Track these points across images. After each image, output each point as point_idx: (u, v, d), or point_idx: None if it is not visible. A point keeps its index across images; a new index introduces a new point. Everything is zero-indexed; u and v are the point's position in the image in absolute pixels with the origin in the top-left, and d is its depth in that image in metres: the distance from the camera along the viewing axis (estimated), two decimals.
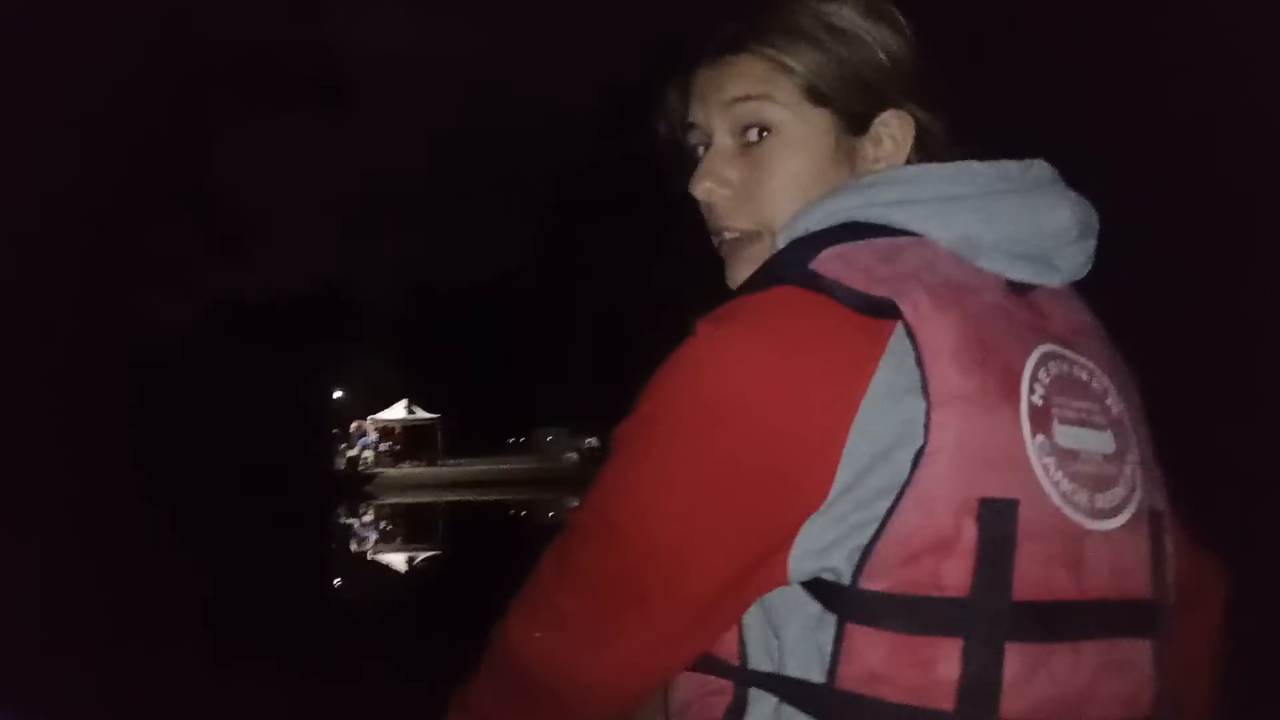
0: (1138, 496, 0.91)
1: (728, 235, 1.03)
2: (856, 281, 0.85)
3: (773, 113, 0.99)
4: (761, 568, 0.86)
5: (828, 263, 0.87)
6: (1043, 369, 0.88)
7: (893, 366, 0.84)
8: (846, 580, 0.84)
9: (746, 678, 0.91)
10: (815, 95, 0.98)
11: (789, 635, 0.88)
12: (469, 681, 0.99)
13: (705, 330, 0.87)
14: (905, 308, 0.84)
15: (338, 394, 44.73)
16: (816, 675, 0.86)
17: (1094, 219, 0.98)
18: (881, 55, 0.99)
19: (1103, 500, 0.88)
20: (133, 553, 15.72)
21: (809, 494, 0.84)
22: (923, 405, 0.82)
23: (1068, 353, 0.92)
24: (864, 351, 0.84)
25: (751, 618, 0.91)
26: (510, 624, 0.94)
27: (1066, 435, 0.87)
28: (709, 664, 0.92)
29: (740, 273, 1.01)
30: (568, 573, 0.91)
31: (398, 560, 18.56)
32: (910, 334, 0.84)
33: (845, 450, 0.83)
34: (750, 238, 1.01)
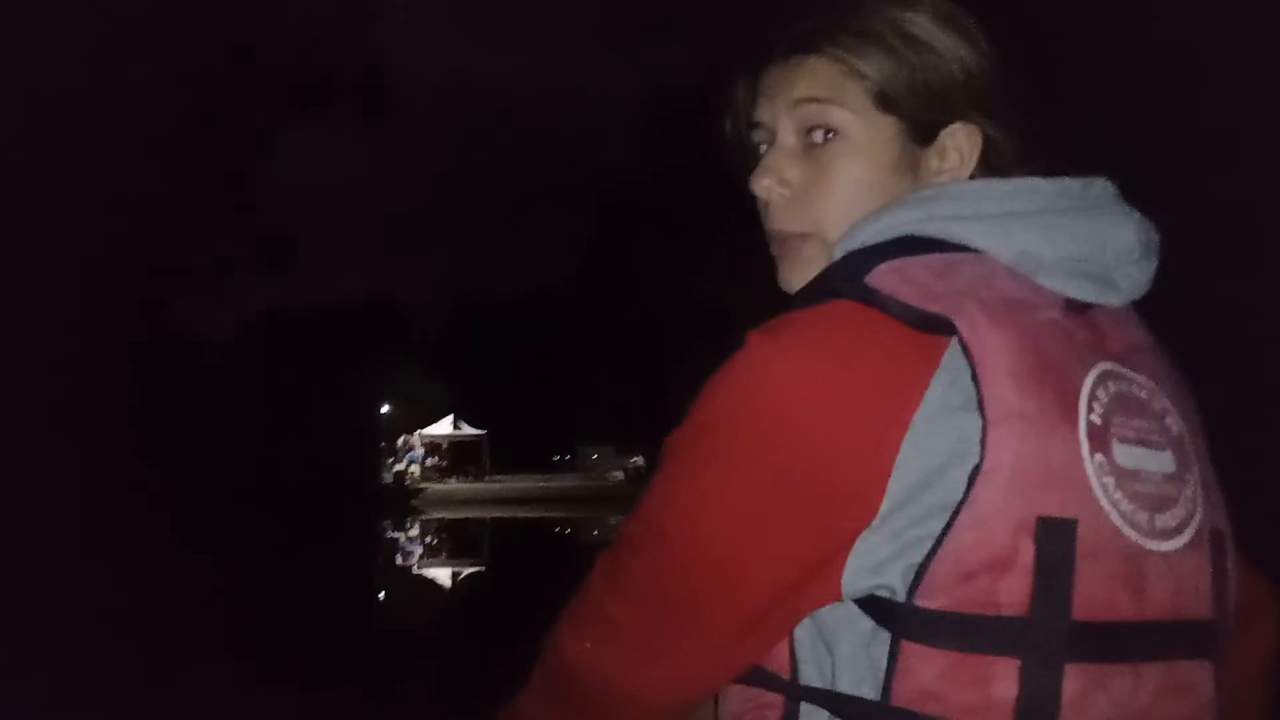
0: (1198, 517, 0.90)
1: (782, 236, 1.02)
2: (911, 297, 0.85)
3: (839, 116, 0.98)
4: (813, 581, 0.86)
5: (883, 277, 0.87)
6: (1101, 388, 0.87)
7: (947, 383, 0.84)
8: (901, 597, 0.83)
9: (798, 692, 0.91)
10: (884, 102, 0.98)
11: (842, 651, 0.88)
12: (519, 693, 1.00)
13: (758, 342, 0.87)
14: (960, 324, 0.83)
15: (385, 408, 45.09)
16: (870, 692, 0.86)
17: (1155, 239, 0.97)
18: (954, 66, 0.98)
19: (1163, 520, 0.87)
20: (178, 566, 15.89)
21: (861, 508, 0.84)
22: (979, 423, 0.82)
23: (1126, 371, 0.91)
24: (918, 367, 0.84)
25: (804, 632, 0.90)
26: (561, 634, 0.95)
27: (1126, 454, 0.87)
28: (760, 677, 0.92)
29: (792, 274, 1.02)
30: (618, 583, 0.91)
31: (443, 575, 18.62)
32: (965, 350, 0.83)
33: (897, 465, 0.83)
34: (805, 240, 1.01)
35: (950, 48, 0.98)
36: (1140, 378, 0.92)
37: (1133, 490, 0.86)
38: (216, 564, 16.56)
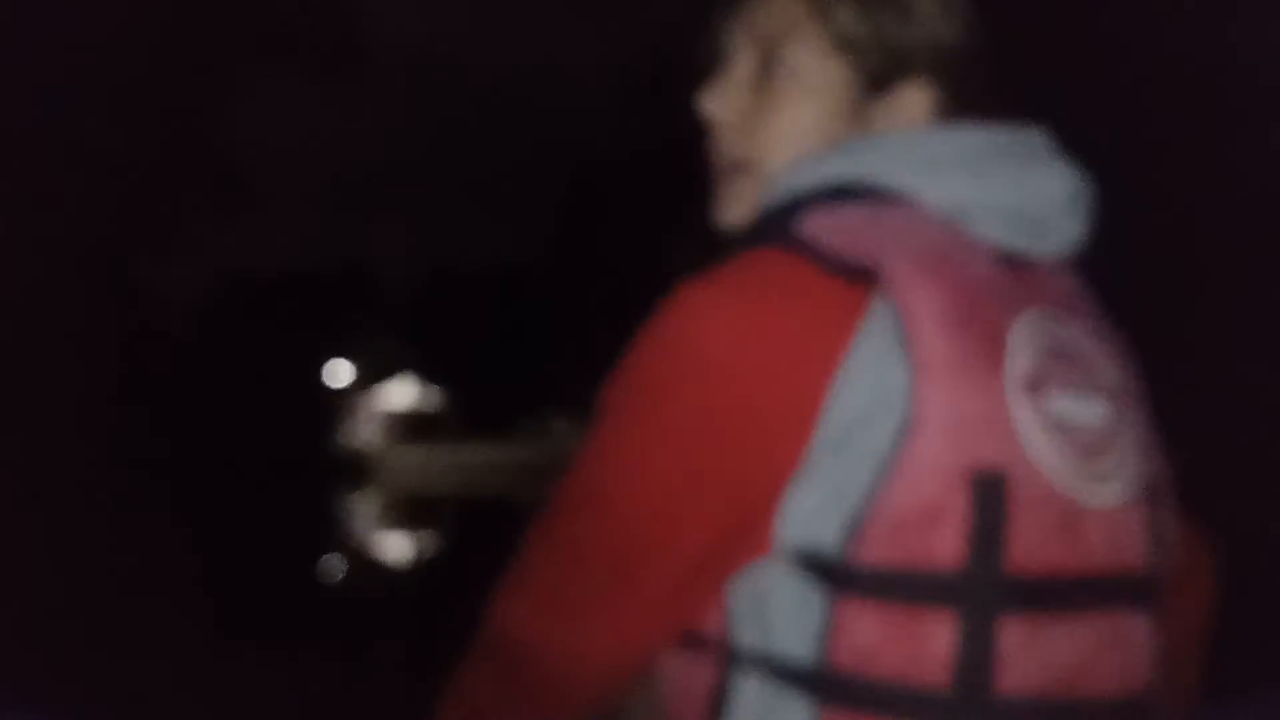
0: (1134, 467, 0.92)
1: (721, 162, 1.04)
2: (838, 246, 0.87)
3: (796, 54, 0.99)
4: (746, 533, 0.87)
5: (811, 225, 0.89)
6: (1032, 336, 0.89)
7: (875, 330, 0.85)
8: (835, 554, 0.84)
9: (735, 655, 0.91)
10: (842, 46, 0.99)
11: (777, 611, 0.88)
12: (460, 666, 0.99)
13: (685, 293, 0.89)
14: (886, 273, 0.85)
15: (341, 367, 44.63)
16: (806, 652, 0.86)
17: (1089, 194, 0.99)
18: (922, 26, 0.99)
19: (1096, 470, 0.88)
20: (122, 533, 15.65)
21: (788, 455, 0.85)
22: (907, 373, 0.83)
23: (1059, 320, 0.92)
24: (844, 315, 0.85)
25: (739, 593, 0.90)
26: (498, 602, 0.95)
27: (1057, 404, 0.87)
28: (697, 641, 0.92)
29: (726, 207, 1.03)
30: (553, 545, 0.93)
31: (400, 547, 18.37)
32: (892, 300, 0.84)
33: (825, 411, 0.84)
34: (742, 169, 1.02)
35: (928, 8, 0.99)
36: (1074, 328, 0.93)
37: (1065, 440, 0.87)
38: (159, 530, 16.29)
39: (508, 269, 61.05)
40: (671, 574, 0.89)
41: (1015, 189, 0.94)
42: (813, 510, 0.85)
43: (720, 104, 1.03)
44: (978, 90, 1.02)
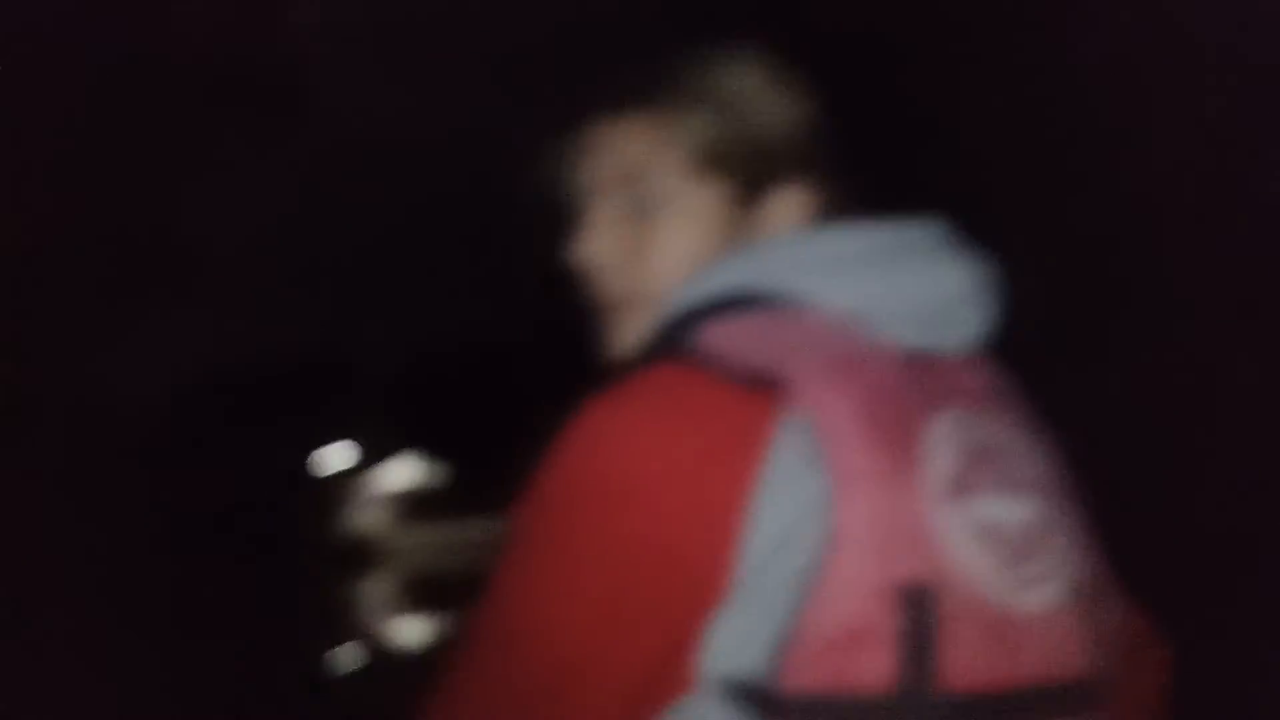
0: (1069, 566, 0.93)
1: (606, 303, 1.06)
2: (739, 358, 0.88)
3: (658, 184, 1.01)
4: (671, 669, 0.88)
5: (709, 338, 0.91)
6: (949, 437, 0.89)
7: (786, 446, 0.85)
8: (763, 682, 0.84)
9: None
10: (706, 164, 1.01)
11: None
12: None
13: (591, 410, 0.90)
14: (791, 383, 0.86)
15: (336, 452, 44.60)
16: None
17: (991, 280, 0.99)
18: (781, 124, 1.02)
19: (1027, 574, 0.89)
20: (123, 638, 15.47)
21: (710, 582, 0.85)
22: (824, 488, 0.84)
23: (979, 417, 0.94)
24: (756, 426, 0.86)
25: None
26: None
27: (981, 507, 0.89)
28: None
29: (620, 340, 1.06)
30: (469, 688, 0.94)
31: (412, 630, 18.19)
32: (801, 412, 0.85)
33: (744, 533, 0.84)
34: (629, 306, 1.04)
35: (778, 106, 1.02)
36: (993, 424, 0.95)
37: (992, 544, 0.88)
38: (164, 631, 16.09)
39: (500, 342, 61.41)
40: (605, 707, 0.88)
41: (913, 286, 0.94)
42: (738, 639, 0.84)
43: (595, 249, 1.03)
44: (852, 181, 1.01)
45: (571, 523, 0.88)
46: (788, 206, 1.02)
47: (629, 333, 1.04)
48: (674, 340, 0.91)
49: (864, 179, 1.03)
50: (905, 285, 0.94)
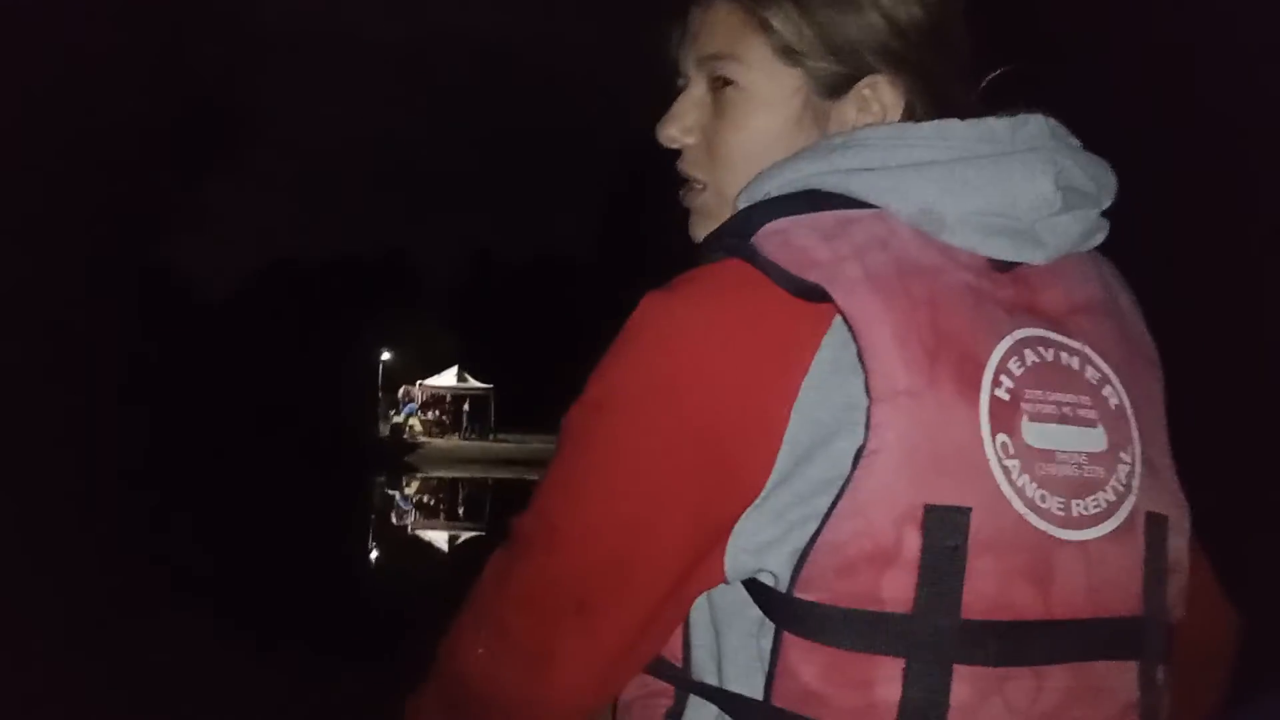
0: (1131, 500, 0.87)
1: (689, 185, 1.04)
2: (790, 263, 0.84)
3: (739, 71, 0.98)
4: (701, 563, 0.86)
5: (768, 239, 0.86)
6: (1016, 357, 0.84)
7: (834, 351, 0.82)
8: (783, 587, 0.83)
9: (687, 684, 0.92)
10: (787, 55, 0.97)
11: (730, 640, 0.89)
12: (417, 696, 0.99)
13: (648, 305, 0.87)
14: (838, 294, 0.82)
15: (386, 356, 44.97)
16: (755, 688, 0.86)
17: (1098, 184, 0.93)
18: (875, 18, 0.96)
19: (1081, 506, 0.84)
20: (161, 518, 15.94)
21: (748, 481, 0.83)
22: (862, 401, 0.80)
23: (1057, 336, 0.88)
24: (805, 332, 0.83)
25: (697, 617, 0.91)
26: (455, 637, 0.94)
27: (1039, 433, 0.84)
28: (653, 664, 0.92)
29: (697, 226, 1.03)
30: (509, 584, 0.92)
31: (440, 538, 18.56)
32: (846, 324, 0.82)
33: (786, 435, 0.82)
34: (708, 190, 1.02)
35: (867, 2, 0.96)
36: (1076, 343, 0.88)
37: (1044, 473, 0.83)
38: (199, 516, 16.57)
39: (556, 259, 60.99)
40: (633, 619, 0.87)
41: (992, 194, 0.88)
42: (767, 541, 0.83)
43: (676, 128, 1.03)
44: (953, 73, 0.99)
45: (620, 417, 0.86)
46: (879, 97, 0.97)
47: (703, 219, 1.02)
48: (738, 233, 0.87)
49: (975, 84, 0.99)
50: (984, 190, 0.87)
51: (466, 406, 40.60)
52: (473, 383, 41.06)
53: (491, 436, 39.92)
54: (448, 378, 40.99)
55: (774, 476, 0.83)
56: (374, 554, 16.24)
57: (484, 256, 67.07)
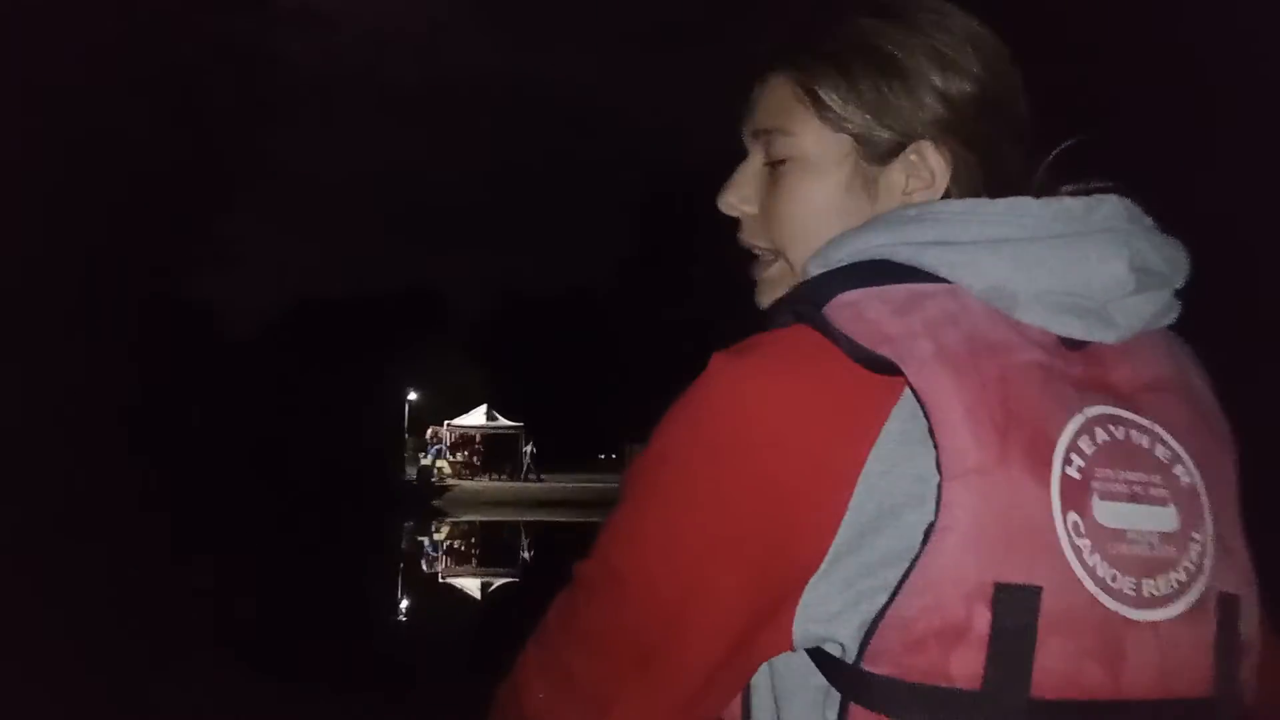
0: (1203, 580, 0.88)
1: (759, 255, 1.09)
2: (862, 335, 0.86)
3: (790, 144, 1.03)
4: (765, 629, 0.88)
5: (840, 310, 0.88)
6: (1086, 436, 0.86)
7: (902, 422, 0.85)
8: (851, 658, 0.85)
9: None
10: (834, 123, 1.02)
11: (792, 709, 0.91)
12: None
13: (719, 366, 0.90)
14: (909, 370, 0.84)
15: (412, 396, 45.12)
16: None
17: (1171, 264, 0.96)
18: (923, 89, 1.00)
19: (1153, 586, 0.86)
20: (186, 565, 16.01)
21: (812, 547, 0.85)
22: (933, 476, 0.82)
23: (1128, 414, 0.90)
24: (872, 405, 0.85)
25: (758, 682, 0.94)
26: (515, 680, 0.97)
27: (1110, 512, 0.85)
28: None
29: (764, 295, 1.08)
30: (572, 628, 0.94)
31: (472, 585, 18.51)
32: (917, 398, 0.84)
33: (851, 504, 0.84)
34: (771, 258, 1.07)
35: (924, 69, 1.00)
36: (1146, 421, 0.90)
37: (1116, 553, 0.85)
38: (225, 563, 16.62)
39: (586, 295, 61.44)
40: (693, 672, 0.89)
41: (1065, 274, 0.90)
42: (836, 611, 0.85)
43: (735, 197, 1.09)
44: (1005, 140, 1.02)
45: (687, 471, 0.89)
46: (927, 163, 1.01)
47: (769, 286, 1.07)
48: (810, 301, 0.90)
49: (1029, 151, 1.03)
50: (1058, 270, 0.90)
51: (498, 447, 40.63)
52: (502, 421, 41.11)
53: (523, 477, 39.90)
54: (476, 417, 41.07)
55: (837, 545, 0.85)
56: (404, 603, 16.19)
57: (510, 293, 67.67)
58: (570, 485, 37.06)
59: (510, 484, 38.53)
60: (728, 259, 1.13)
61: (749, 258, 1.10)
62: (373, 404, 41.81)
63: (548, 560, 22.20)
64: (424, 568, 21.00)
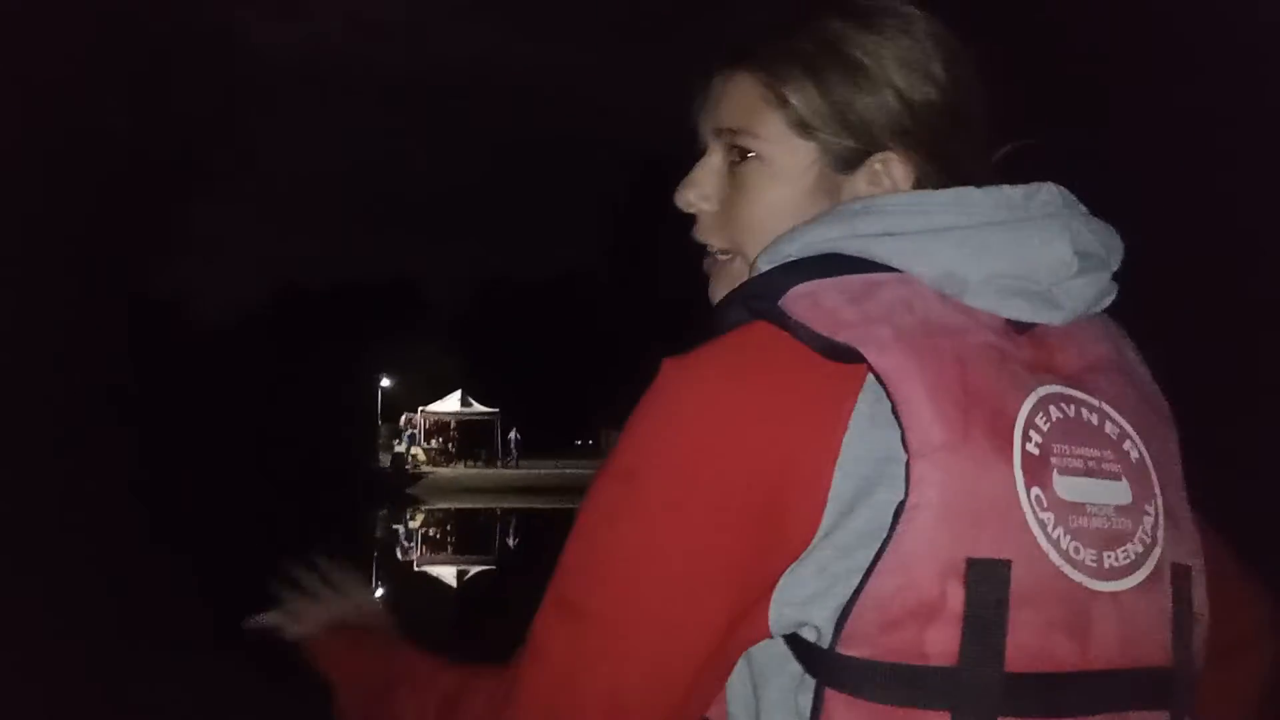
0: (1158, 551, 0.91)
1: (708, 251, 1.10)
2: (820, 324, 0.87)
3: (756, 144, 1.03)
4: (744, 621, 0.88)
5: (797, 301, 0.89)
6: (1042, 413, 0.89)
7: (869, 404, 0.86)
8: (826, 642, 0.85)
9: None
10: (803, 129, 1.02)
11: (769, 695, 0.92)
12: None
13: (673, 373, 0.90)
14: (870, 354, 0.85)
15: (385, 382, 44.91)
16: None
17: (1107, 248, 0.99)
18: (890, 96, 1.01)
19: (1112, 558, 0.88)
20: (155, 552, 15.91)
21: (797, 537, 0.86)
22: (901, 457, 0.84)
23: (1076, 393, 0.92)
24: (839, 392, 0.87)
25: (735, 672, 0.94)
26: (500, 712, 0.96)
27: (1069, 486, 0.88)
28: None
29: (716, 289, 1.08)
30: (543, 664, 0.93)
31: (447, 573, 18.47)
32: (880, 381, 0.85)
33: (830, 492, 0.85)
34: (728, 257, 1.08)
35: (891, 76, 1.01)
36: (1094, 400, 0.93)
37: (1076, 525, 0.87)
38: (191, 553, 16.53)
39: (562, 280, 61.32)
40: (673, 693, 0.89)
41: (1014, 258, 0.93)
42: (810, 595, 0.86)
43: (695, 194, 1.08)
44: (966, 150, 1.03)
45: (655, 485, 0.89)
46: (889, 172, 1.03)
47: (725, 284, 1.07)
48: (762, 297, 0.91)
49: (990, 158, 1.05)
50: (1005, 255, 0.93)
51: (470, 433, 40.45)
52: (477, 407, 40.98)
53: (499, 463, 39.81)
54: (451, 403, 40.89)
55: (819, 532, 0.86)
56: (378, 592, 16.11)
57: (486, 279, 67.52)
58: (546, 472, 37.02)
59: (486, 470, 38.45)
60: (698, 248, 1.13)
61: (710, 254, 1.11)
62: (345, 391, 41.60)
63: (525, 547, 22.23)
64: (399, 556, 20.93)
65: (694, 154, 1.10)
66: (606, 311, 55.55)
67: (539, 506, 29.82)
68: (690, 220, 1.10)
